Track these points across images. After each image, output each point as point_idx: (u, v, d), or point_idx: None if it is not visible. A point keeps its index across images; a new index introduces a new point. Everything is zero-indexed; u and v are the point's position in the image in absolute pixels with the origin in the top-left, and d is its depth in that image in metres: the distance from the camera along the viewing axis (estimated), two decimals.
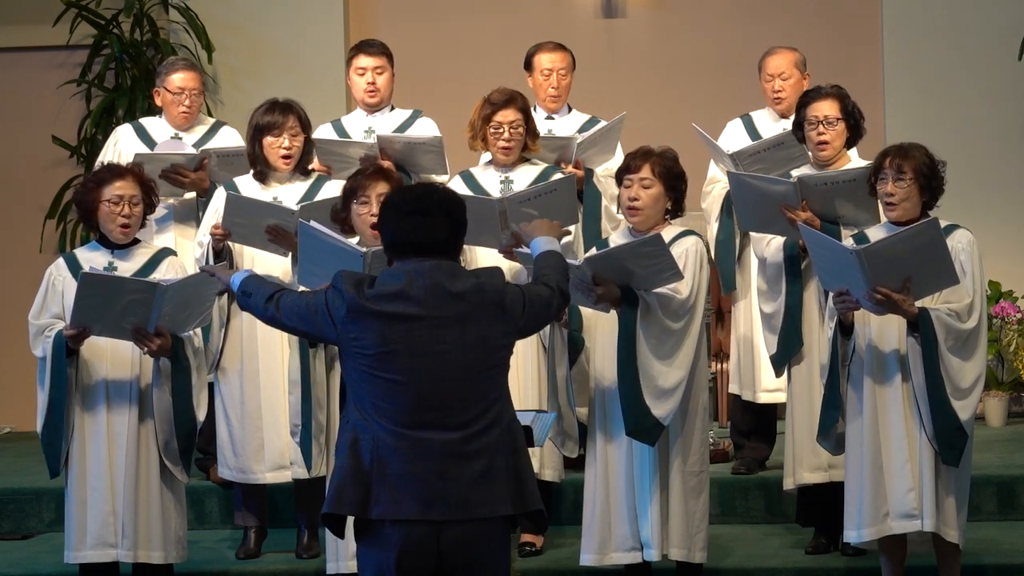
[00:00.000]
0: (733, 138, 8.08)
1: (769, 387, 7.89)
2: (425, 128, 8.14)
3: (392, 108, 8.27)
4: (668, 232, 6.62)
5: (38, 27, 10.26)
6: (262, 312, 5.30)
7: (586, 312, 6.69)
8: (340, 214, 6.72)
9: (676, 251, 6.55)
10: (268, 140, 7.34)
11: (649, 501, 6.58)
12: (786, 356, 7.17)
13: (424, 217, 5.07)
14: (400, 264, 5.08)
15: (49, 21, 10.09)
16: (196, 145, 8.07)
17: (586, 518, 6.75)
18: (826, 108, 7.06)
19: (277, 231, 7.12)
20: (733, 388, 8.07)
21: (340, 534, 5.20)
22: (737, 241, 7.87)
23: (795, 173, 7.19)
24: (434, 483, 4.97)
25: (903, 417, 6.38)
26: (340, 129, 8.20)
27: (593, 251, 6.71)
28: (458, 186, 7.43)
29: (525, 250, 6.55)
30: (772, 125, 8.07)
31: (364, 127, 8.15)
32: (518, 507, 5.07)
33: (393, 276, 5.05)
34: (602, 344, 6.68)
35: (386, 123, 8.13)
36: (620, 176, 6.73)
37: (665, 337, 6.56)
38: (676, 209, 6.73)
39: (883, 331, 6.41)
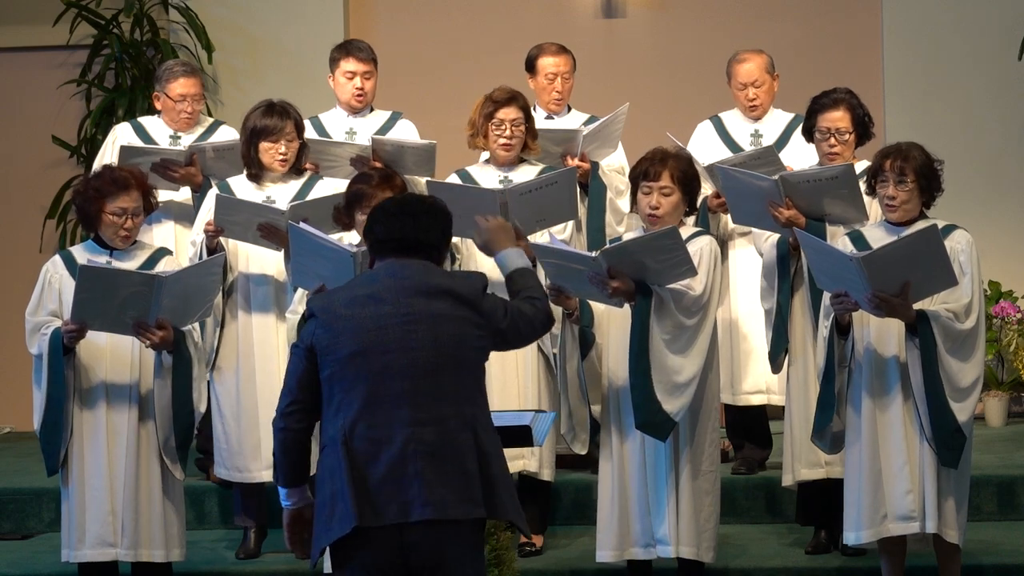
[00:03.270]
0: (704, 140, 8.10)
1: (749, 389, 7.92)
2: (406, 130, 8.16)
3: (372, 109, 8.26)
4: (683, 232, 6.64)
5: (38, 27, 10.26)
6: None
7: (598, 308, 6.70)
8: (343, 217, 6.71)
9: (691, 249, 6.57)
10: (264, 145, 7.35)
11: (665, 499, 6.59)
12: (775, 353, 7.19)
13: (411, 218, 5.05)
14: (379, 263, 5.06)
15: (49, 21, 10.09)
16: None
17: (602, 515, 6.76)
18: (838, 119, 7.08)
19: (268, 229, 7.14)
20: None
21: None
22: None
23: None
24: (409, 484, 4.88)
25: (902, 419, 6.39)
26: (319, 126, 8.17)
27: (608, 244, 6.72)
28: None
29: (549, 245, 6.57)
30: (743, 125, 8.10)
31: (345, 128, 8.15)
32: (491, 512, 4.97)
33: (366, 280, 5.04)
34: (615, 341, 6.69)
35: (367, 125, 8.13)
36: (635, 180, 6.73)
37: (678, 333, 6.58)
38: (692, 208, 6.77)
39: (882, 334, 6.41)
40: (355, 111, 8.21)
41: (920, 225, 6.40)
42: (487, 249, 5.37)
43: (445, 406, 4.95)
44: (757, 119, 8.04)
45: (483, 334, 5.03)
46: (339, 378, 4.98)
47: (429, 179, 7.61)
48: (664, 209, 6.65)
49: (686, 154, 6.77)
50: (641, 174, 6.71)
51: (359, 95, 8.16)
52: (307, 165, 7.74)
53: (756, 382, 7.85)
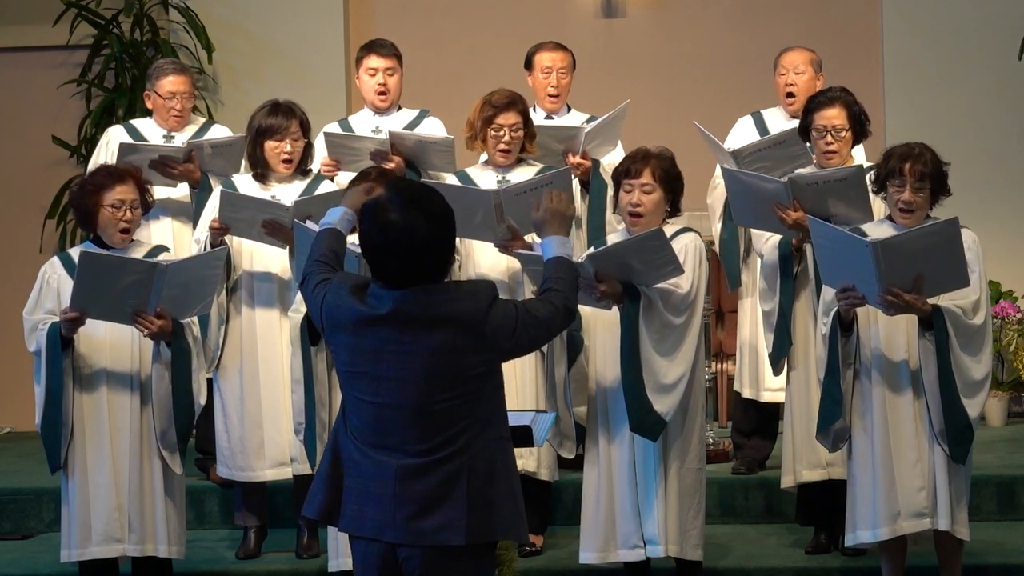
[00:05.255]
0: (743, 135, 8.07)
1: (772, 386, 7.89)
2: (433, 127, 8.16)
3: (399, 108, 8.28)
4: (667, 230, 6.63)
5: (38, 27, 10.26)
6: (306, 267, 5.15)
7: (585, 311, 6.69)
8: None
9: (675, 247, 6.55)
10: (270, 144, 7.35)
11: (654, 498, 6.59)
12: (779, 355, 7.18)
13: (408, 252, 4.81)
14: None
15: (49, 21, 10.09)
16: None
17: (586, 517, 6.74)
18: (834, 117, 7.07)
19: (272, 226, 7.15)
20: (737, 386, 8.07)
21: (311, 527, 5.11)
22: (743, 240, 7.87)
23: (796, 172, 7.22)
24: (389, 505, 4.86)
25: (913, 417, 6.38)
26: (347, 128, 8.21)
27: (593, 249, 6.72)
28: None
29: (532, 253, 6.56)
30: (783, 123, 8.05)
31: (372, 127, 8.16)
32: (475, 537, 4.87)
33: (375, 297, 4.87)
34: (602, 343, 6.68)
35: (394, 123, 8.13)
36: (617, 179, 6.73)
37: (667, 332, 6.57)
38: (674, 210, 6.75)
39: (891, 331, 6.40)
40: (380, 110, 8.22)
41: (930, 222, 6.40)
42: (539, 228, 5.26)
43: (435, 435, 4.85)
44: (795, 112, 7.95)
45: (484, 359, 4.89)
46: (343, 380, 4.98)
47: (425, 180, 7.61)
48: (645, 207, 6.64)
49: (669, 154, 6.76)
50: (623, 172, 6.71)
51: (381, 92, 8.17)
52: (326, 163, 7.77)
53: (780, 378, 7.82)
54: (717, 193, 7.96)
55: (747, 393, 8.02)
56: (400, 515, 4.85)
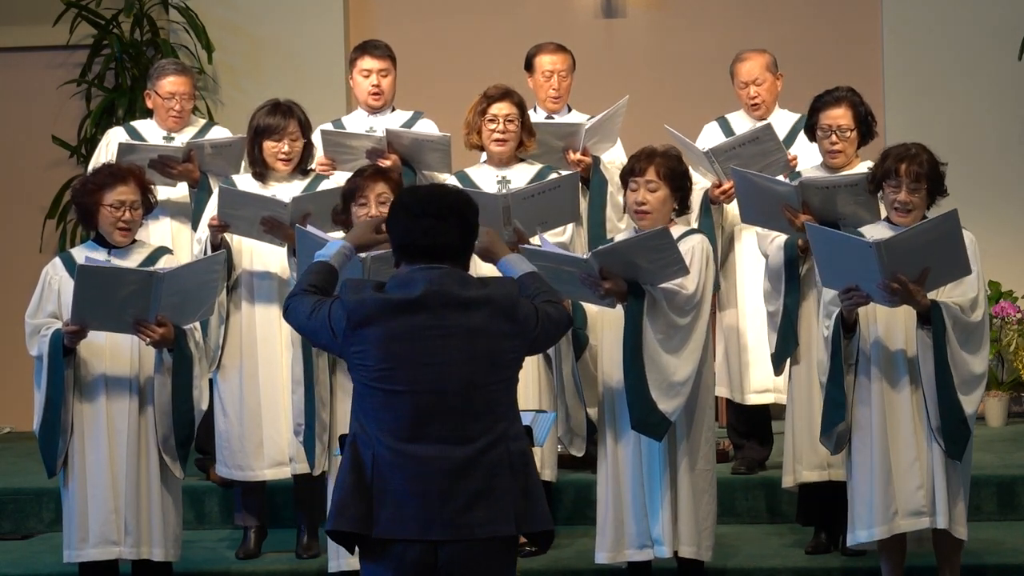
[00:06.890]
0: (711, 140, 8.10)
1: (757, 388, 7.93)
2: (427, 129, 8.15)
3: (393, 109, 8.28)
4: (674, 231, 6.64)
5: (38, 27, 10.26)
6: (288, 298, 5.16)
7: (591, 310, 6.70)
8: (340, 216, 6.72)
9: (682, 248, 6.57)
10: (268, 144, 7.36)
11: (660, 499, 6.60)
12: (783, 355, 7.19)
13: (436, 220, 4.92)
14: (408, 268, 4.94)
15: (49, 21, 10.10)
16: None
17: (600, 517, 6.76)
18: (839, 117, 7.09)
19: (271, 223, 7.15)
20: (721, 391, 8.06)
21: (350, 548, 5.04)
22: (720, 244, 7.88)
23: (804, 173, 7.24)
24: (434, 502, 4.82)
25: (911, 415, 6.39)
26: (340, 128, 8.21)
27: (600, 246, 6.73)
28: None
29: (539, 248, 6.56)
30: (748, 126, 8.06)
31: (365, 127, 8.16)
32: (522, 527, 4.91)
33: (401, 284, 4.90)
34: (609, 343, 6.68)
35: (387, 124, 8.13)
36: (624, 179, 6.74)
37: (672, 332, 6.57)
38: (682, 208, 6.76)
39: (890, 329, 6.41)
40: (374, 110, 8.23)
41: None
42: (487, 256, 5.32)
43: (476, 422, 4.87)
44: (761, 118, 8.01)
45: (517, 344, 4.95)
46: (368, 383, 4.90)
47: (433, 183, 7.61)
48: (651, 205, 6.64)
49: (675, 152, 6.77)
50: (628, 171, 6.72)
51: (375, 93, 8.18)
52: (321, 162, 7.78)
53: (764, 380, 7.84)
54: (693, 196, 7.94)
55: (733, 397, 8.02)
56: (447, 510, 4.83)
